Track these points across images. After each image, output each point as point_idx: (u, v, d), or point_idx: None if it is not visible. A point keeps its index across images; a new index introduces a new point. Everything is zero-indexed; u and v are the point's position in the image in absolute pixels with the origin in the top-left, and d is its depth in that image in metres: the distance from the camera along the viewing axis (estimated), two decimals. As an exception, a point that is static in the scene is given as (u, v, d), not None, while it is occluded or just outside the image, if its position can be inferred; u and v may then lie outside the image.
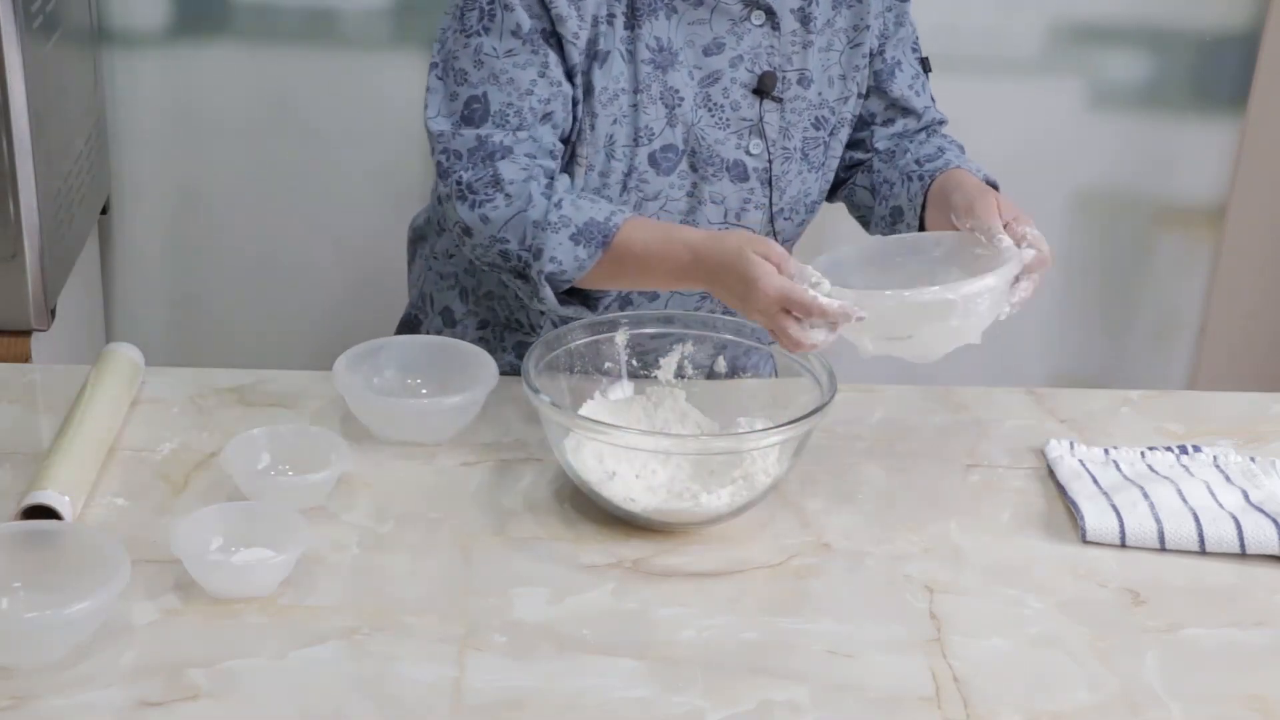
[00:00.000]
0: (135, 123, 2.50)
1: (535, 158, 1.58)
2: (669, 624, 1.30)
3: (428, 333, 1.83)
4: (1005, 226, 1.51)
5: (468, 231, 1.59)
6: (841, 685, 1.23)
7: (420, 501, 1.45)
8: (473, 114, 1.59)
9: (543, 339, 1.50)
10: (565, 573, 1.36)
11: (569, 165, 1.64)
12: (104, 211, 2.51)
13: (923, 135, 1.78)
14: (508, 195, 1.56)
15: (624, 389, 1.57)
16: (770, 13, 1.64)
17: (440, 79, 1.62)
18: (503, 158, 1.57)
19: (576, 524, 1.43)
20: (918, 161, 1.70)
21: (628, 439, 1.43)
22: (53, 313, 2.10)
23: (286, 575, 1.31)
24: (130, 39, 2.45)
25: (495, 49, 1.59)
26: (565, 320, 1.60)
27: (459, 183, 1.58)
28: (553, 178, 1.58)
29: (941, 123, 1.81)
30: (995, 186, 1.65)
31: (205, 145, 2.52)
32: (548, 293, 1.57)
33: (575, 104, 1.62)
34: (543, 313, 1.70)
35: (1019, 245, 1.49)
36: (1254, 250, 2.64)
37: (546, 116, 1.59)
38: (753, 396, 1.60)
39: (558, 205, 1.55)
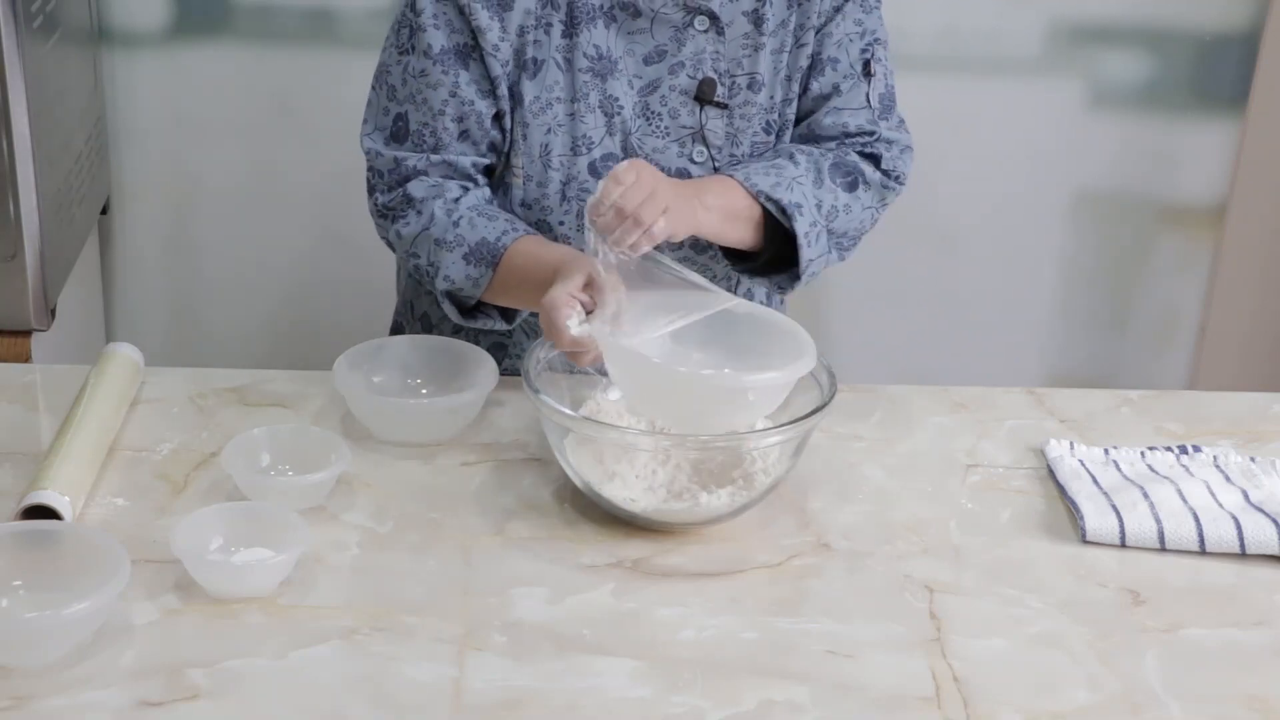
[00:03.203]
0: (135, 123, 2.50)
1: (449, 178, 1.62)
2: (669, 624, 1.30)
3: None
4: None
5: (390, 246, 1.68)
6: (841, 685, 1.23)
7: (420, 501, 1.45)
8: (397, 131, 1.65)
9: (542, 340, 1.50)
10: (565, 573, 1.36)
11: (505, 175, 1.65)
12: (104, 211, 2.51)
13: (832, 143, 1.69)
14: (418, 212, 1.62)
15: (624, 389, 1.56)
16: (714, 18, 1.62)
17: (375, 90, 1.68)
18: (413, 179, 1.63)
19: (576, 524, 1.43)
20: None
21: (628, 439, 1.43)
22: (53, 313, 2.10)
23: (286, 575, 1.31)
24: (130, 39, 2.45)
25: (414, 68, 1.63)
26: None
27: (377, 204, 1.66)
28: (461, 195, 1.61)
29: (871, 134, 1.69)
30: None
31: (205, 145, 2.52)
32: (449, 308, 1.63)
33: (500, 116, 1.64)
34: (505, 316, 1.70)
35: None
36: (1254, 250, 2.64)
37: (463, 135, 1.63)
38: (753, 396, 1.60)
39: (455, 224, 1.59)
